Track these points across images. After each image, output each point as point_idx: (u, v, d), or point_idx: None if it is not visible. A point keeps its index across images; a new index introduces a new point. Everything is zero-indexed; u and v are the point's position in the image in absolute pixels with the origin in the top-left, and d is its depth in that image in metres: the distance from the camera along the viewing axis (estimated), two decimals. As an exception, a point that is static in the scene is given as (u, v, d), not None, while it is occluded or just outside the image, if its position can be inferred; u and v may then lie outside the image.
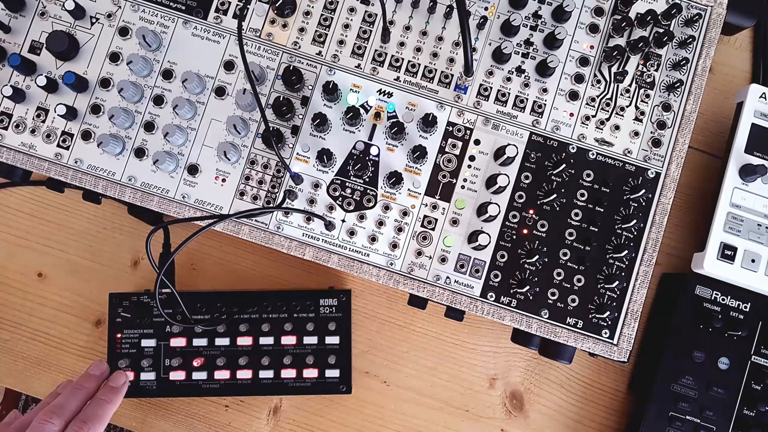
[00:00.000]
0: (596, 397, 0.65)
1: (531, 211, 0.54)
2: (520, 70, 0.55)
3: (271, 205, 0.54)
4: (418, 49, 0.55)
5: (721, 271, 0.57)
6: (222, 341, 0.61)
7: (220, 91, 0.54)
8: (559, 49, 0.55)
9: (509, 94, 0.55)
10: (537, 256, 0.52)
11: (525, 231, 0.54)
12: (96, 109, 0.54)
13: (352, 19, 0.55)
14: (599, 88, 0.55)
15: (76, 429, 0.49)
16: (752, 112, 0.59)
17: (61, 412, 0.50)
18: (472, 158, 0.54)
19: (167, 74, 0.54)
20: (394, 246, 0.54)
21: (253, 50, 0.55)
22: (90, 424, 0.50)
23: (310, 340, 0.62)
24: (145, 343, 0.61)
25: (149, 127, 0.54)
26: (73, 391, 0.53)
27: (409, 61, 0.55)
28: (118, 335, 0.61)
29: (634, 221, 0.53)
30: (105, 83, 0.54)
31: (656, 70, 0.55)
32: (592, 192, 0.54)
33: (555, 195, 0.53)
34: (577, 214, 0.54)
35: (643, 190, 0.53)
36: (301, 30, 0.55)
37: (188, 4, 0.55)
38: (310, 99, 0.54)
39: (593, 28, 0.55)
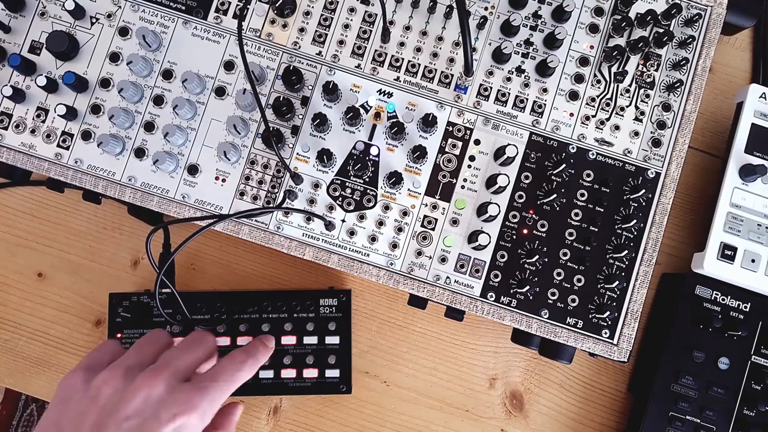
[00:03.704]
0: (596, 397, 0.65)
1: (531, 211, 0.54)
2: (520, 70, 0.55)
3: (271, 205, 0.54)
4: (418, 49, 0.55)
5: (721, 271, 0.57)
6: (222, 341, 0.61)
7: (220, 91, 0.54)
8: (559, 49, 0.55)
9: (509, 94, 0.55)
10: (537, 256, 0.52)
11: (525, 231, 0.54)
12: (96, 109, 0.54)
13: (352, 19, 0.55)
14: (599, 88, 0.55)
15: (241, 359, 0.48)
16: (752, 112, 0.59)
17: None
18: (472, 158, 0.54)
19: (167, 74, 0.54)
20: (394, 246, 0.54)
21: (253, 50, 0.55)
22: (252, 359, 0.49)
23: (310, 340, 0.62)
24: (145, 343, 0.61)
25: (149, 127, 0.54)
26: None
27: (409, 61, 0.55)
28: (118, 335, 0.61)
29: (634, 221, 0.53)
30: (105, 83, 0.54)
31: (656, 70, 0.55)
32: (592, 192, 0.54)
33: (555, 195, 0.53)
34: (577, 214, 0.54)
35: (643, 190, 0.53)
36: (301, 30, 0.55)
37: (188, 4, 0.55)
38: (310, 99, 0.54)
39: (593, 28, 0.55)
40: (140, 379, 0.43)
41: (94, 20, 0.55)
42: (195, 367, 0.47)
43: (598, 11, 0.55)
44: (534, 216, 0.54)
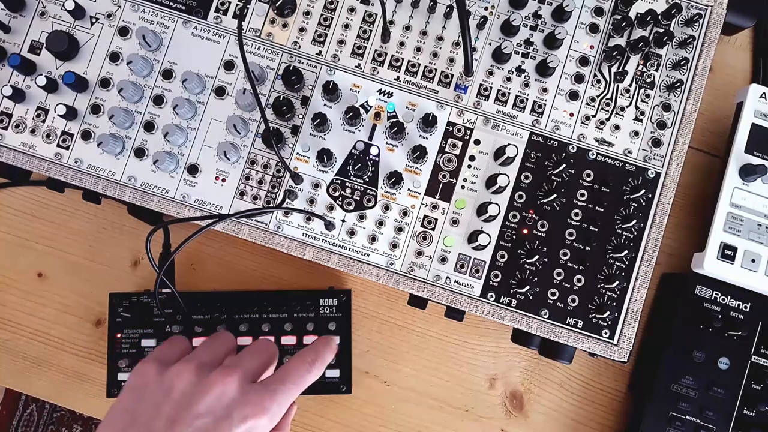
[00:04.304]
0: (596, 397, 0.65)
1: (531, 211, 0.54)
2: (520, 70, 0.55)
3: (271, 205, 0.54)
4: (418, 49, 0.55)
5: (721, 271, 0.57)
6: (222, 341, 0.61)
7: (220, 91, 0.54)
8: (559, 49, 0.55)
9: (509, 94, 0.55)
10: (537, 256, 0.52)
11: (525, 231, 0.54)
12: (96, 109, 0.54)
13: (352, 19, 0.55)
14: (599, 88, 0.55)
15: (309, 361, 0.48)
16: (752, 112, 0.59)
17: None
18: (472, 158, 0.54)
19: (167, 74, 0.54)
20: (394, 246, 0.54)
21: (253, 50, 0.55)
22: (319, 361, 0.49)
23: (310, 340, 0.62)
24: (145, 343, 0.61)
25: (149, 127, 0.54)
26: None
27: (409, 61, 0.55)
28: (118, 335, 0.61)
29: (634, 221, 0.53)
30: (105, 83, 0.54)
31: (656, 70, 0.55)
32: (592, 192, 0.54)
33: (555, 195, 0.53)
34: (577, 214, 0.54)
35: (643, 190, 0.53)
36: (301, 30, 0.55)
37: (188, 4, 0.55)
38: (310, 99, 0.54)
39: (593, 28, 0.55)
40: (214, 376, 0.43)
41: (94, 20, 0.55)
42: (262, 372, 0.47)
43: (598, 11, 0.55)
44: (534, 216, 0.54)
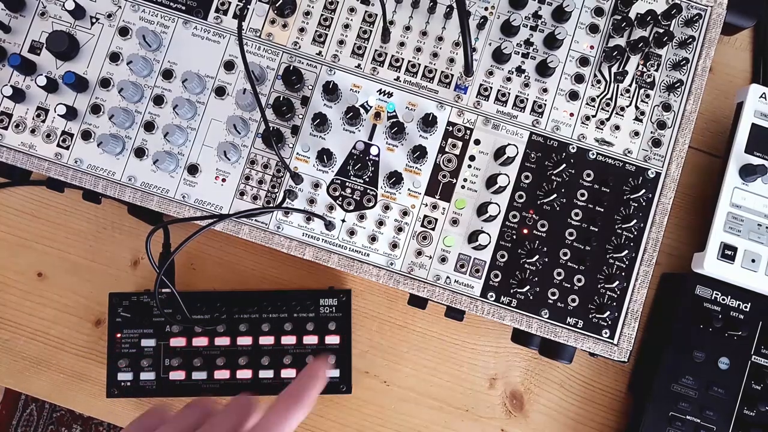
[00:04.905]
0: (596, 397, 0.65)
1: (531, 211, 0.54)
2: (520, 70, 0.55)
3: (271, 205, 0.54)
4: (418, 49, 0.55)
5: (721, 271, 0.57)
6: (222, 341, 0.61)
7: (220, 91, 0.54)
8: (559, 49, 0.55)
9: (509, 94, 0.55)
10: (537, 256, 0.52)
11: (525, 231, 0.54)
12: (96, 109, 0.54)
13: (352, 19, 0.55)
14: (599, 88, 0.55)
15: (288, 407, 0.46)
16: (752, 112, 0.59)
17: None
18: (472, 158, 0.54)
19: (167, 74, 0.54)
20: (394, 246, 0.54)
21: (253, 50, 0.55)
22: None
23: (310, 339, 0.62)
24: (145, 342, 0.61)
25: (149, 127, 0.54)
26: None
27: (409, 61, 0.55)
28: (118, 335, 0.61)
29: (634, 221, 0.53)
30: (105, 83, 0.54)
31: (656, 70, 0.55)
32: (592, 192, 0.54)
33: (555, 195, 0.53)
34: (577, 214, 0.54)
35: (643, 190, 0.53)
36: (301, 30, 0.55)
37: (188, 4, 0.55)
38: (310, 99, 0.54)
39: (593, 28, 0.55)
40: None
41: (94, 20, 0.55)
42: (239, 427, 0.46)
43: (598, 11, 0.55)
44: (534, 216, 0.54)
